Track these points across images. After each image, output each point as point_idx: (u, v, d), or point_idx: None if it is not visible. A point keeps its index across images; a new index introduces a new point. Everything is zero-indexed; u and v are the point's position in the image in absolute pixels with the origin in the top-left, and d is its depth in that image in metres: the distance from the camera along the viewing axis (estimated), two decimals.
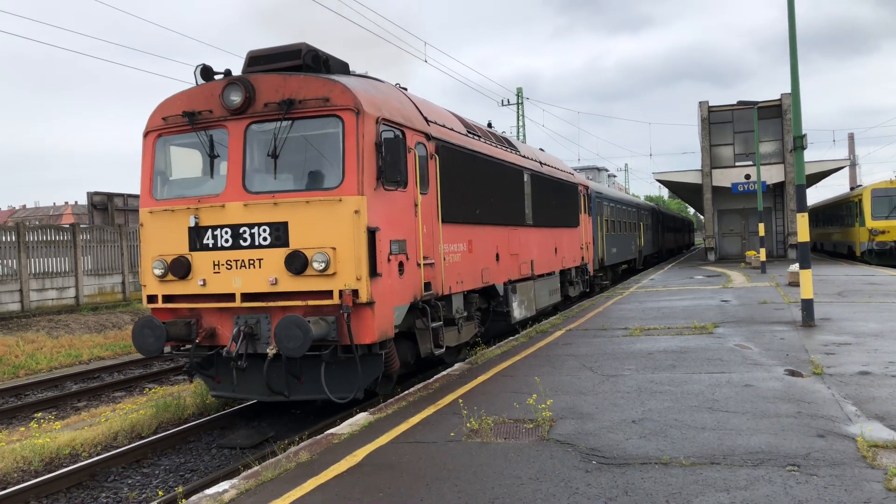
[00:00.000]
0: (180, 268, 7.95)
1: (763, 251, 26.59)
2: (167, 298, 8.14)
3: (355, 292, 7.41)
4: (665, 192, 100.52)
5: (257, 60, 8.48)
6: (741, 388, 7.40)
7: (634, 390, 7.56)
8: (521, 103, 50.66)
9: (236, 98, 7.91)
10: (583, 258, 19.64)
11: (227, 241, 7.84)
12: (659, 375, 8.27)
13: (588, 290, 20.63)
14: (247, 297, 7.77)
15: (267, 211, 7.73)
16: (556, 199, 16.69)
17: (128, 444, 8.23)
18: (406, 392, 8.45)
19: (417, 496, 4.77)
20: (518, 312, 13.17)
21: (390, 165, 7.86)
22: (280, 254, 7.62)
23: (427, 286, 9.08)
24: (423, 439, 6.16)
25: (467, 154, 10.90)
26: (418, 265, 8.82)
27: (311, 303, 7.54)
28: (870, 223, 29.20)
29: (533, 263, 14.31)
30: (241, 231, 7.81)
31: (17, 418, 10.46)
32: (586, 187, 20.87)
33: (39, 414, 10.43)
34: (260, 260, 7.71)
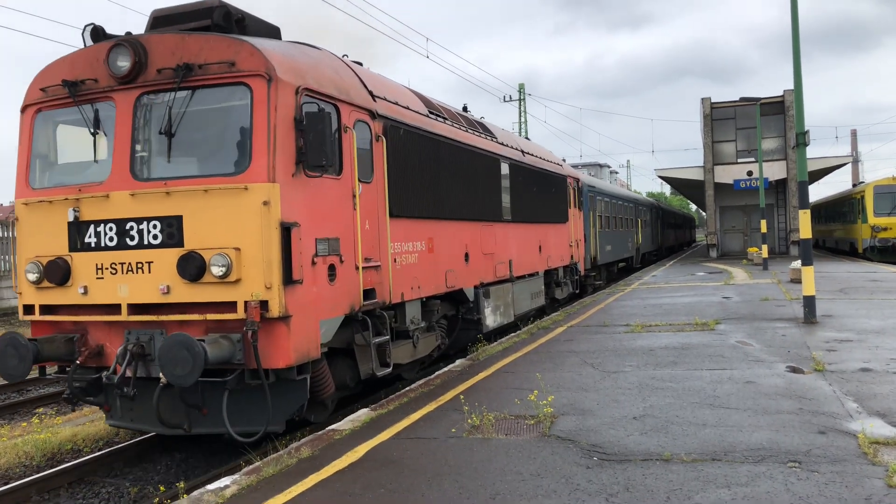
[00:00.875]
0: (56, 272, 6.59)
1: (765, 248, 26.55)
2: (46, 309, 6.79)
3: (264, 304, 6.06)
4: (667, 189, 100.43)
5: (161, 21, 7.09)
6: (742, 385, 7.39)
7: (636, 387, 7.56)
8: (524, 99, 50.59)
9: (124, 63, 6.50)
10: (572, 257, 18.12)
11: (111, 239, 6.49)
12: (660, 372, 8.27)
13: (578, 291, 19.22)
14: (137, 308, 6.43)
15: (158, 202, 6.38)
16: (541, 192, 15.29)
17: (129, 439, 8.24)
18: (407, 388, 8.45)
19: (419, 492, 4.78)
20: (492, 320, 11.67)
21: (314, 146, 6.46)
22: (173, 255, 6.27)
23: (369, 293, 7.73)
24: (424, 435, 6.17)
25: (427, 138, 9.44)
26: (357, 269, 7.44)
27: (211, 317, 6.19)
28: (872, 220, 29.15)
29: (511, 264, 12.94)
30: (127, 227, 6.44)
31: (18, 413, 10.49)
32: (577, 180, 19.35)
33: (41, 409, 10.46)
34: (149, 263, 6.37)
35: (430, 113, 10.05)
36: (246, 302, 6.06)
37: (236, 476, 5.39)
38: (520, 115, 50.84)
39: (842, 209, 35.99)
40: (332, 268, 6.97)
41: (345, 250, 7.23)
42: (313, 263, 6.63)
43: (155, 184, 6.43)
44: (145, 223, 6.39)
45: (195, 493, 5.09)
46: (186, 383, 5.79)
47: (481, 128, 12.40)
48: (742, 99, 29.00)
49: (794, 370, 8.05)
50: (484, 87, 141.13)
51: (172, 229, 6.32)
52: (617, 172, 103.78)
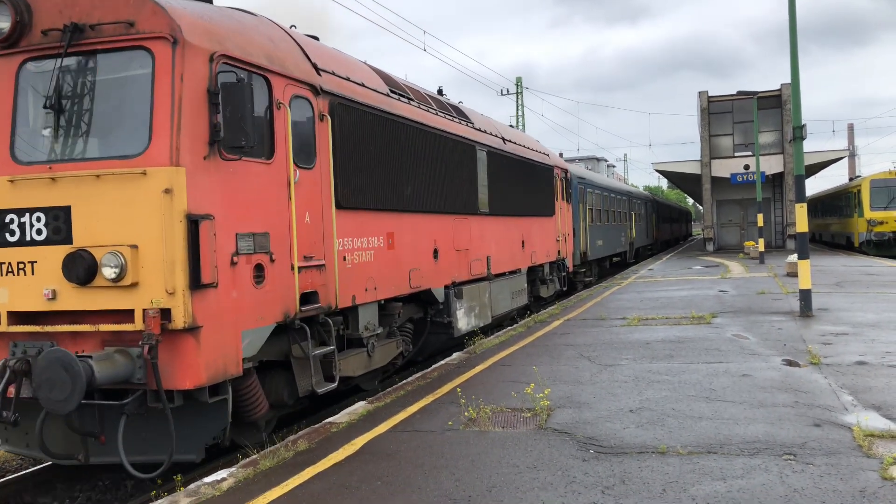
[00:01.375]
0: None
1: (762, 242, 26.61)
2: None
3: (165, 312, 5.14)
4: (664, 183, 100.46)
5: None
6: (738, 378, 7.42)
7: (632, 380, 7.58)
8: (521, 93, 50.47)
9: (3, 24, 5.55)
10: (559, 252, 16.94)
11: None
12: (656, 365, 8.29)
13: (565, 288, 18.00)
14: (21, 317, 5.50)
15: (42, 190, 5.43)
16: (525, 182, 14.18)
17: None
18: (404, 381, 8.46)
19: (415, 484, 4.79)
20: (465, 322, 10.63)
21: (232, 123, 5.51)
22: (60, 254, 5.34)
23: (310, 297, 6.72)
24: (421, 428, 6.18)
25: (387, 119, 8.36)
26: (293, 269, 6.41)
27: (105, 327, 5.27)
28: (868, 214, 29.21)
29: (489, 260, 11.85)
30: (6, 220, 5.49)
31: None
32: (565, 171, 18.29)
33: None
34: (32, 263, 5.44)
35: (393, 92, 8.89)
36: (144, 310, 5.13)
37: (233, 469, 5.39)
38: (517, 109, 50.75)
39: (838, 203, 36.06)
40: (259, 268, 5.97)
41: (276, 247, 6.20)
42: (233, 263, 5.63)
43: (38, 168, 5.47)
44: (27, 215, 5.43)
45: (192, 485, 5.10)
46: (64, 410, 4.91)
47: (455, 111, 11.29)
48: (739, 93, 29.00)
49: (790, 363, 8.08)
50: (482, 80, 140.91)
51: (59, 223, 5.38)
52: (614, 166, 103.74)
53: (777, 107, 34.77)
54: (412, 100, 9.55)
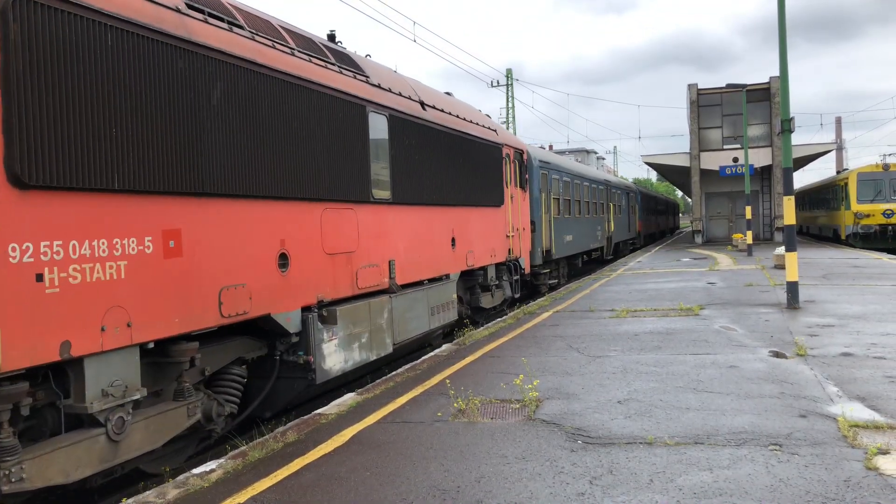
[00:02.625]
0: None
1: (750, 234, 26.77)
2: None
3: None
4: (654, 175, 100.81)
5: None
6: (726, 369, 7.47)
7: (620, 371, 7.62)
8: (511, 84, 50.42)
9: None
10: (510, 251, 14.17)
11: None
12: (645, 356, 8.34)
13: (517, 295, 14.91)
14: None
15: None
16: (458, 163, 11.21)
17: None
18: (394, 373, 8.47)
19: (404, 474, 4.80)
20: (339, 360, 7.61)
21: None
22: None
23: None
24: (410, 419, 6.19)
25: (163, 46, 5.43)
26: None
27: None
28: (855, 207, 29.44)
29: (393, 266, 8.97)
30: None
31: None
32: (520, 152, 15.22)
33: None
34: None
35: (192, 7, 6.05)
36: None
37: (222, 460, 5.39)
38: (507, 101, 50.69)
39: (826, 196, 36.31)
40: None
41: None
42: None
43: None
44: None
45: (180, 476, 5.09)
46: None
47: (337, 57, 8.30)
48: (728, 85, 29.09)
49: (777, 355, 8.14)
50: (472, 72, 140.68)
51: None
52: (604, 158, 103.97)
53: (765, 100, 34.91)
54: (238, 26, 6.59)
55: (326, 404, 7.11)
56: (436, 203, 10.47)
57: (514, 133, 49.37)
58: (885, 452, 4.76)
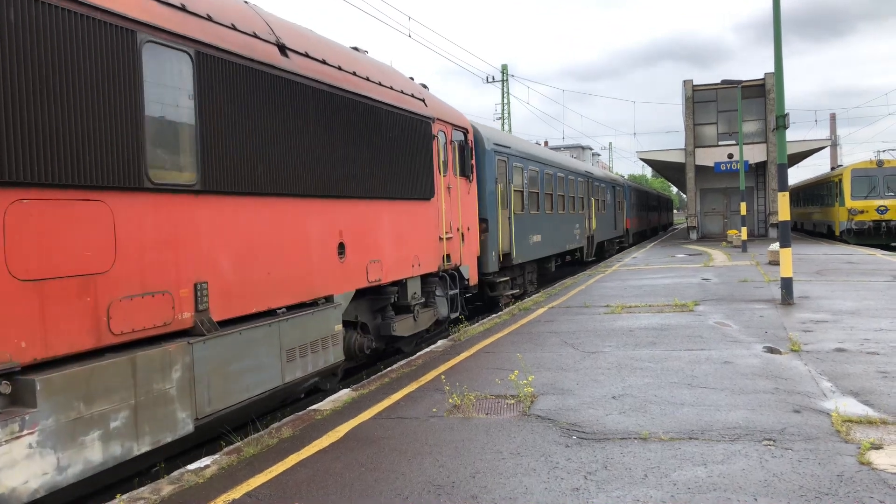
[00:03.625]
0: None
1: (744, 230, 26.84)
2: None
3: None
4: (649, 171, 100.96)
5: None
6: (720, 365, 7.49)
7: (615, 367, 7.64)
8: (506, 80, 50.38)
9: None
10: (447, 257, 11.01)
11: None
12: (639, 352, 8.36)
13: (458, 314, 11.65)
14: None
15: None
16: (352, 138, 8.20)
17: None
18: (389, 369, 8.47)
19: (399, 470, 4.80)
20: (34, 473, 4.21)
21: None
22: None
23: None
24: (405, 415, 6.19)
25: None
26: None
27: None
28: (849, 203, 29.54)
29: (205, 291, 5.84)
30: None
31: None
32: (464, 131, 11.93)
33: None
34: None
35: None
36: None
37: (216, 456, 5.38)
38: (503, 97, 50.66)
39: (820, 192, 36.42)
40: None
41: None
42: None
43: None
44: None
45: (175, 472, 5.08)
46: None
47: None
48: (724, 81, 29.10)
49: (771, 350, 8.17)
50: (467, 67, 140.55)
51: None
52: (599, 155, 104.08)
53: (760, 96, 34.98)
54: None
55: (321, 400, 7.11)
56: (306, 193, 7.26)
57: (510, 130, 49.31)
58: (877, 447, 4.79)
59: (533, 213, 17.09)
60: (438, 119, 10.78)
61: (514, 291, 15.41)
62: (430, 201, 10.40)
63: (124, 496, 4.63)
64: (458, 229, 11.56)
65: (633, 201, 37.93)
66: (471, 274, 12.23)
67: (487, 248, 13.33)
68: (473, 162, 12.40)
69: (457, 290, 11.59)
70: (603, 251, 29.08)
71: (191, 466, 5.16)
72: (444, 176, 10.93)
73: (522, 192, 16.24)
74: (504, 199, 14.60)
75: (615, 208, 31.55)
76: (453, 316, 11.45)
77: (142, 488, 4.81)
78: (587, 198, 24.75)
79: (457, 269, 11.53)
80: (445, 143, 11.08)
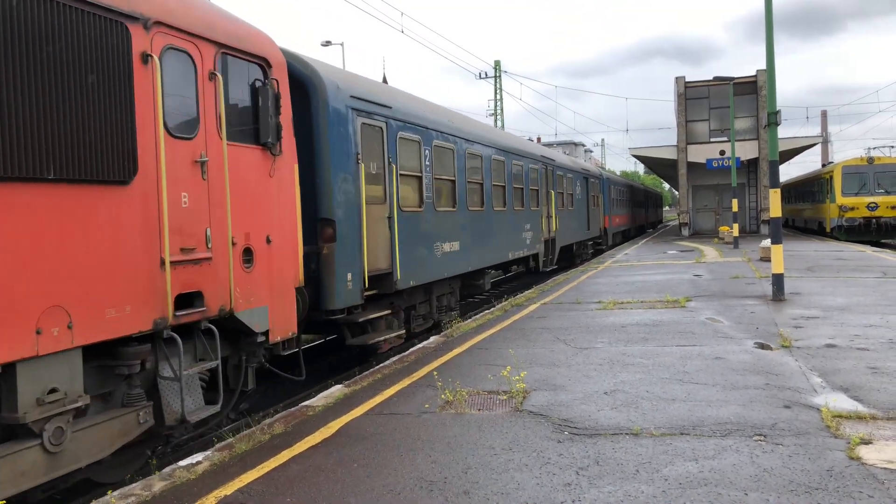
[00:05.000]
0: None
1: (736, 227, 26.95)
2: None
3: None
4: (641, 168, 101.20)
5: None
6: (711, 361, 7.53)
7: (607, 362, 7.66)
8: (499, 76, 50.35)
9: None
10: (185, 299, 5.67)
11: None
12: (631, 348, 8.38)
13: (235, 403, 6.72)
14: None
15: None
16: None
17: None
18: (381, 365, 8.47)
19: (391, 466, 4.80)
20: None
21: None
22: None
23: None
24: (397, 411, 6.19)
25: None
26: None
27: None
28: (840, 200, 29.70)
29: None
30: None
31: None
32: (262, 62, 6.76)
33: None
34: None
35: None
36: None
37: (208, 452, 5.36)
38: (495, 93, 50.64)
39: (811, 189, 36.61)
40: None
41: None
42: None
43: None
44: None
45: (167, 469, 5.06)
46: None
47: None
48: (716, 78, 29.21)
49: (762, 346, 8.21)
50: (460, 63, 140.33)
51: None
52: (591, 151, 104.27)
53: (752, 93, 35.09)
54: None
55: (314, 396, 7.10)
56: None
57: (503, 126, 49.27)
58: (867, 442, 4.82)
59: (443, 211, 11.66)
60: (165, 24, 5.52)
61: (398, 333, 9.86)
62: (127, 188, 5.10)
63: (115, 493, 4.62)
64: (231, 241, 6.11)
65: (613, 196, 33.16)
66: (274, 321, 6.64)
67: (334, 268, 8.25)
68: (287, 120, 7.07)
69: (240, 358, 6.56)
70: (573, 256, 24.19)
71: (182, 462, 5.15)
72: (185, 138, 5.70)
73: (421, 178, 10.80)
74: (378, 187, 9.42)
75: (588, 204, 26.07)
76: (217, 410, 5.97)
77: (133, 484, 4.80)
78: (544, 190, 19.04)
79: (228, 317, 6.09)
80: (196, 75, 5.88)
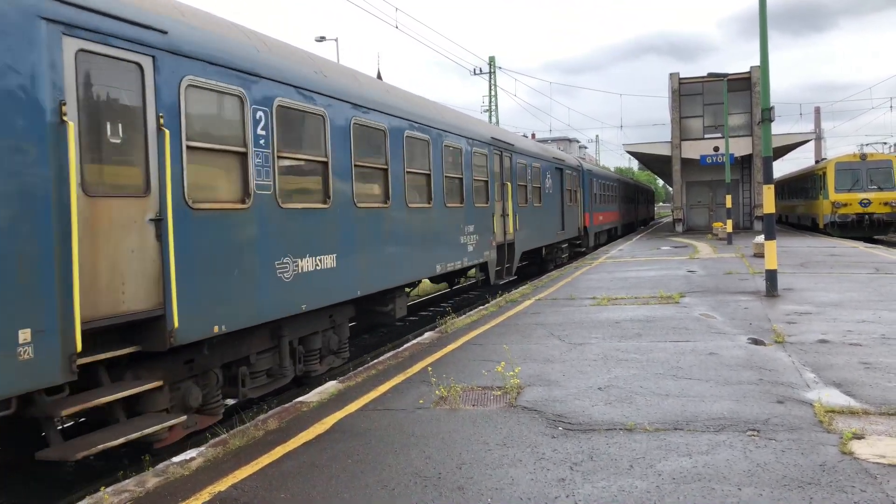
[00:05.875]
0: None
1: (730, 223, 27.01)
2: None
3: None
4: (635, 165, 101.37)
5: None
6: (705, 356, 7.54)
7: (601, 358, 7.67)
8: (494, 72, 50.30)
9: None
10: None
11: None
12: (625, 344, 8.39)
13: None
14: None
15: None
16: None
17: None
18: (376, 361, 8.46)
19: (386, 462, 4.80)
20: None
21: None
22: None
23: None
24: (392, 407, 6.19)
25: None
26: None
27: None
28: (833, 196, 29.79)
29: None
30: None
31: None
32: None
33: None
34: None
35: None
36: None
37: (202, 448, 5.35)
38: (490, 89, 50.59)
39: (804, 185, 36.72)
40: None
41: None
42: None
43: None
44: None
45: (160, 465, 5.05)
46: None
47: None
48: (710, 74, 29.22)
49: (756, 342, 8.23)
50: (455, 59, 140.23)
51: None
52: (586, 147, 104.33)
53: (746, 89, 35.13)
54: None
55: (308, 392, 7.09)
56: None
57: (497, 122, 49.24)
58: (859, 437, 4.84)
59: (297, 208, 7.66)
60: None
61: (212, 408, 6.73)
62: None
63: (108, 489, 4.60)
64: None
65: (596, 191, 29.49)
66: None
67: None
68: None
69: None
70: (542, 262, 20.92)
71: (176, 459, 5.14)
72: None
73: (245, 154, 6.88)
74: (127, 168, 5.60)
75: (562, 199, 22.38)
76: None
77: (126, 481, 4.78)
78: (498, 182, 15.29)
79: None
80: None
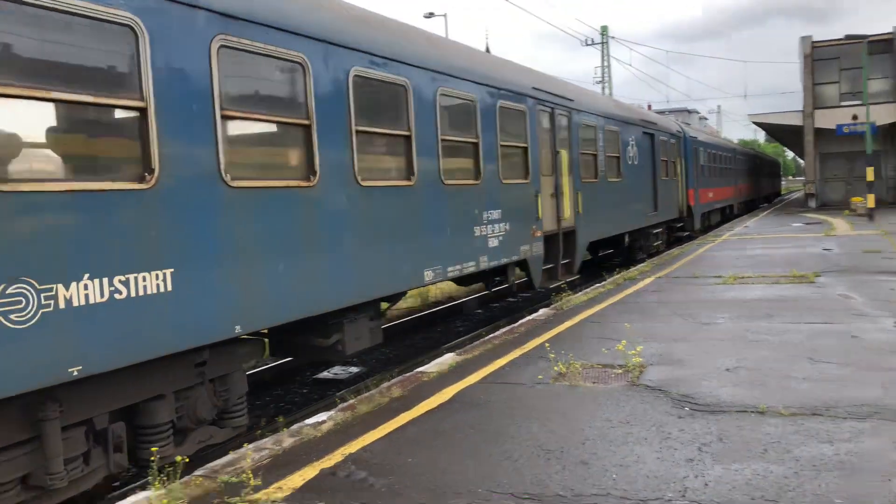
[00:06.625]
0: None
1: (871, 197, 24.93)
2: None
3: None
4: (762, 136, 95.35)
5: None
6: (845, 339, 7.05)
7: (728, 338, 7.35)
8: (606, 42, 48.76)
9: None
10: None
11: None
12: (755, 324, 7.99)
13: None
14: None
15: None
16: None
17: None
18: (491, 335, 8.53)
19: (508, 433, 4.85)
20: None
21: None
22: None
23: None
24: (510, 380, 6.23)
25: None
26: None
27: None
28: None
29: None
30: None
31: None
32: None
33: None
34: None
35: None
36: None
37: (332, 412, 5.62)
38: (602, 60, 49.15)
39: None
40: None
41: None
42: None
43: None
44: None
45: (295, 426, 5.36)
46: None
47: None
48: (847, 37, 26.92)
49: None
50: (564, 29, 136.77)
51: None
52: (706, 119, 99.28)
53: (888, 51, 32.09)
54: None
55: (427, 363, 7.27)
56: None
57: (611, 94, 47.72)
58: None
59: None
60: None
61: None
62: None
63: (250, 445, 4.94)
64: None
65: (703, 163, 24.17)
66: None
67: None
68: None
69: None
70: (628, 251, 16.88)
71: (309, 421, 5.43)
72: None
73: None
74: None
75: (654, 173, 17.85)
76: None
77: (264, 439, 5.11)
78: (546, 151, 11.24)
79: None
80: None
